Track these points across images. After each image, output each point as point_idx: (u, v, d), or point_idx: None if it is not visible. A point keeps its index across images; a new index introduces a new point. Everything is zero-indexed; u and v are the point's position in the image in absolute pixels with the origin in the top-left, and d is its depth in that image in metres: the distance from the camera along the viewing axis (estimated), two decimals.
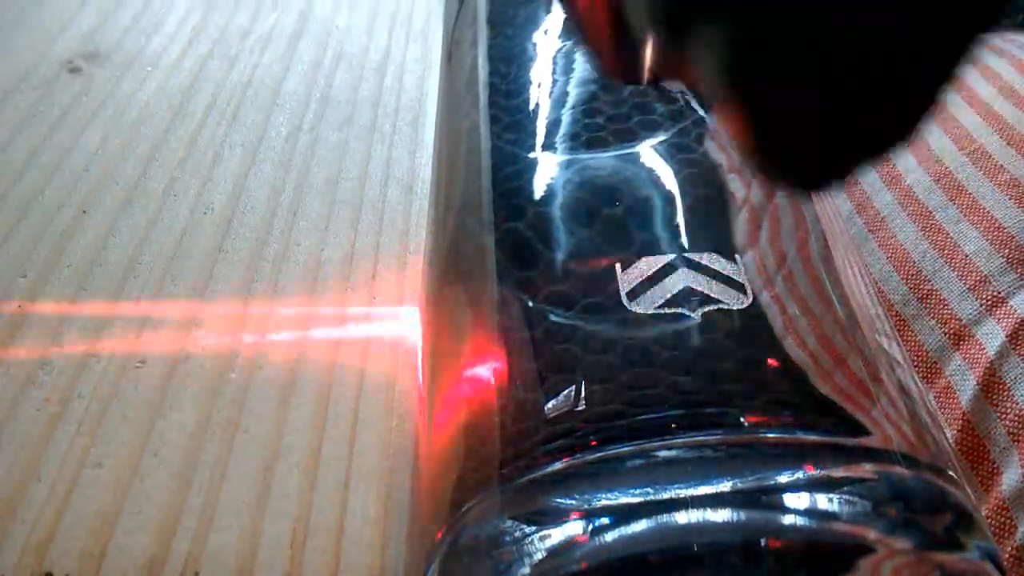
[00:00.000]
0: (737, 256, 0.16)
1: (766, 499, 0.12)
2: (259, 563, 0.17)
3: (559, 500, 0.13)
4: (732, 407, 0.13)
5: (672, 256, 0.15)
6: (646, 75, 0.13)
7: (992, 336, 0.20)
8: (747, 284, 0.15)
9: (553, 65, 0.21)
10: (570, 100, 0.20)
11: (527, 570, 0.12)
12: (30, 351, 0.21)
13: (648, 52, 0.13)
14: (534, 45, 0.22)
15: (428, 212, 0.24)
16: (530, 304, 0.16)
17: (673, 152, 0.18)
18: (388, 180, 0.27)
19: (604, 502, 0.13)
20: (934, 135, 0.24)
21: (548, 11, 0.23)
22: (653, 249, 0.16)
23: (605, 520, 0.12)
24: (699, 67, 0.10)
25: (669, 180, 0.17)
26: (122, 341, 0.21)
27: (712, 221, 0.17)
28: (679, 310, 0.15)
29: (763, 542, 0.12)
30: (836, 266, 0.17)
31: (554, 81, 0.21)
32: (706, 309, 0.15)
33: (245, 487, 0.19)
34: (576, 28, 0.16)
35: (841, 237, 0.18)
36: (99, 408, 0.20)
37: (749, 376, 0.14)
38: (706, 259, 0.15)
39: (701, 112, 0.19)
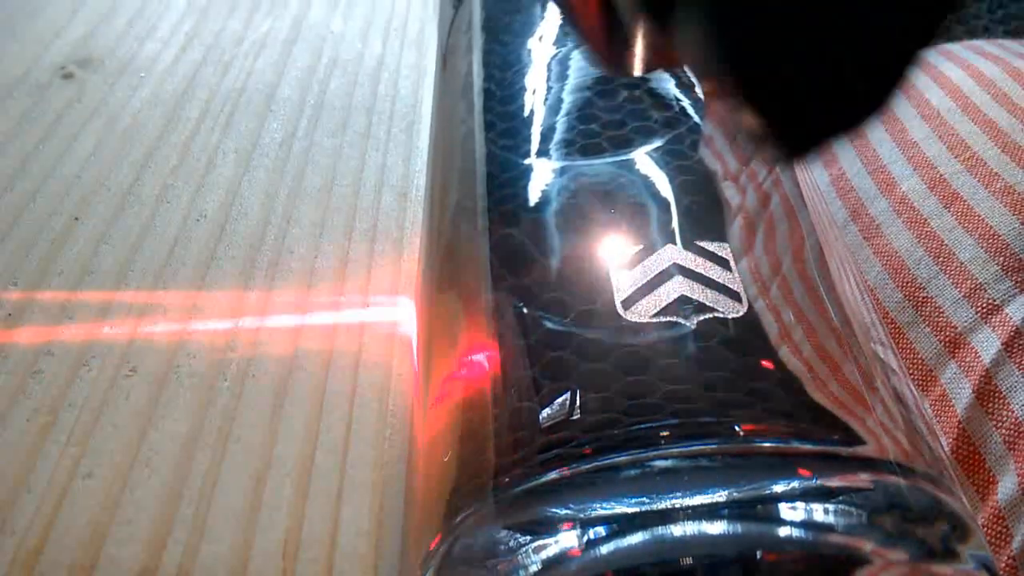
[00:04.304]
0: (732, 264, 0.15)
1: (762, 509, 0.12)
2: (250, 575, 0.17)
3: (554, 510, 0.13)
4: (727, 416, 0.13)
5: (667, 264, 0.15)
6: (640, 65, 0.14)
7: (987, 344, 0.20)
8: (742, 292, 0.15)
9: (548, 71, 0.21)
10: (565, 106, 0.20)
11: None
12: (20, 360, 0.21)
13: (640, 42, 0.13)
14: (529, 52, 0.22)
15: (423, 219, 0.24)
16: (525, 311, 0.16)
17: (668, 159, 0.18)
18: (382, 187, 0.26)
19: (600, 512, 0.13)
20: (929, 141, 0.24)
21: (543, 17, 0.23)
22: (648, 257, 0.16)
23: (601, 530, 0.12)
24: (687, 48, 0.10)
25: (664, 187, 0.17)
26: (113, 350, 0.21)
27: (707, 229, 0.17)
28: (674, 319, 0.15)
29: (759, 554, 0.12)
30: (831, 273, 0.17)
31: (549, 87, 0.21)
32: (701, 318, 0.15)
33: (237, 498, 0.18)
34: (570, 22, 0.17)
35: (836, 244, 0.18)
36: (90, 418, 0.20)
37: (744, 385, 0.14)
38: (701, 267, 0.15)
39: (696, 119, 0.19)
